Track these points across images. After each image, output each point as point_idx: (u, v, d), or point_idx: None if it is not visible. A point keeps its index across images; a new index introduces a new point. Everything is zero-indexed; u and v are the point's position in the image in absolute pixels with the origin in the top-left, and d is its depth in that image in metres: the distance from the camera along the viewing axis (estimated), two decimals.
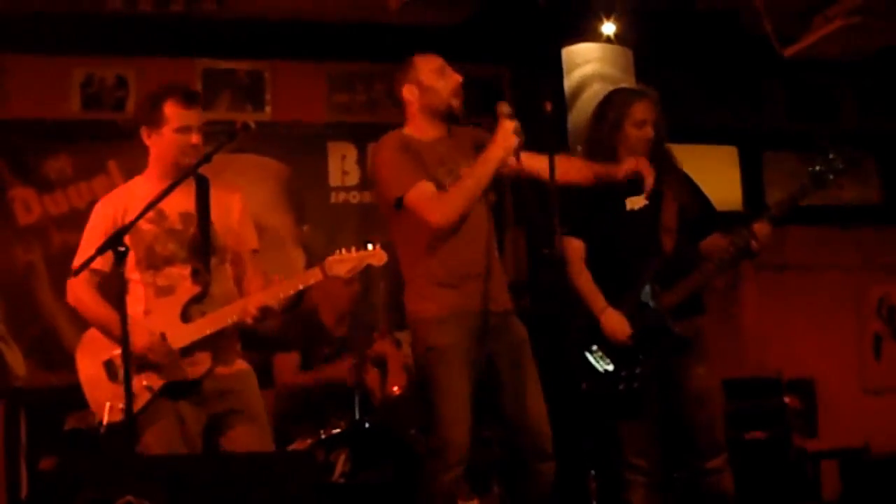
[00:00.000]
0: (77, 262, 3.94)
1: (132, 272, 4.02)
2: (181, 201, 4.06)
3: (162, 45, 6.35)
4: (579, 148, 4.89)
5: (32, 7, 6.08)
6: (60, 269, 6.19)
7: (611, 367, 4.40)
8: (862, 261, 7.53)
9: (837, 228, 7.40)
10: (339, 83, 6.83)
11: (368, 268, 4.00)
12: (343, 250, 3.97)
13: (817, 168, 4.37)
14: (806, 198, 4.39)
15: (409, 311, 4.24)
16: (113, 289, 3.70)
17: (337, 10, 6.45)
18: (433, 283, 4.17)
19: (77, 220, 6.34)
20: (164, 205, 3.96)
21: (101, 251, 3.70)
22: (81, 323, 6.15)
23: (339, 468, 4.92)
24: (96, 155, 6.40)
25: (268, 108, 6.64)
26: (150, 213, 3.94)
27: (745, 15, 6.40)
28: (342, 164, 6.78)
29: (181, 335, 3.94)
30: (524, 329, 4.31)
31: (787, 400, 6.42)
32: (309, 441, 4.95)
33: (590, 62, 6.46)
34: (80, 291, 4.00)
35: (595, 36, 6.41)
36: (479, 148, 4.21)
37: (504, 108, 4.11)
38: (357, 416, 5.10)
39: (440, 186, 4.17)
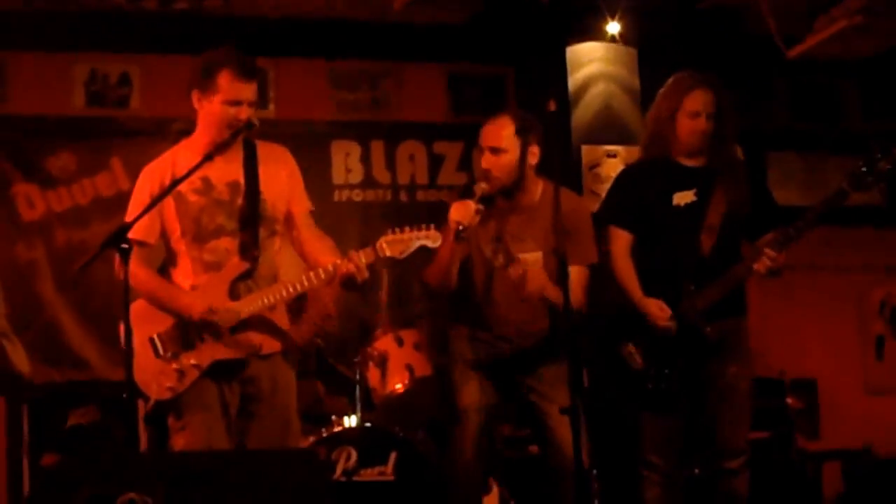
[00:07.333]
0: None
1: (178, 243, 3.94)
2: (228, 170, 3.96)
3: (166, 43, 6.34)
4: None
5: (36, 4, 6.09)
6: (63, 265, 6.23)
7: (642, 365, 4.35)
8: (864, 262, 7.50)
9: (840, 229, 7.39)
10: (343, 81, 6.82)
11: (422, 249, 3.88)
12: (396, 230, 3.84)
13: (862, 168, 4.16)
14: (843, 202, 4.20)
15: None
16: (119, 287, 3.60)
17: (341, 8, 6.44)
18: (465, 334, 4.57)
19: (80, 216, 6.36)
20: (211, 174, 3.91)
21: (103, 247, 3.60)
22: (85, 319, 6.25)
23: (340, 466, 4.91)
24: (100, 152, 6.41)
25: (271, 106, 6.61)
26: (197, 183, 3.89)
27: (749, 15, 6.40)
28: (346, 162, 6.78)
29: None
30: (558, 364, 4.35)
31: (789, 400, 6.41)
32: (311, 439, 4.95)
33: (594, 61, 6.48)
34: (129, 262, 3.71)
35: (599, 35, 6.42)
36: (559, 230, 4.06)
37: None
38: (359, 414, 5.09)
39: (485, 258, 4.37)
